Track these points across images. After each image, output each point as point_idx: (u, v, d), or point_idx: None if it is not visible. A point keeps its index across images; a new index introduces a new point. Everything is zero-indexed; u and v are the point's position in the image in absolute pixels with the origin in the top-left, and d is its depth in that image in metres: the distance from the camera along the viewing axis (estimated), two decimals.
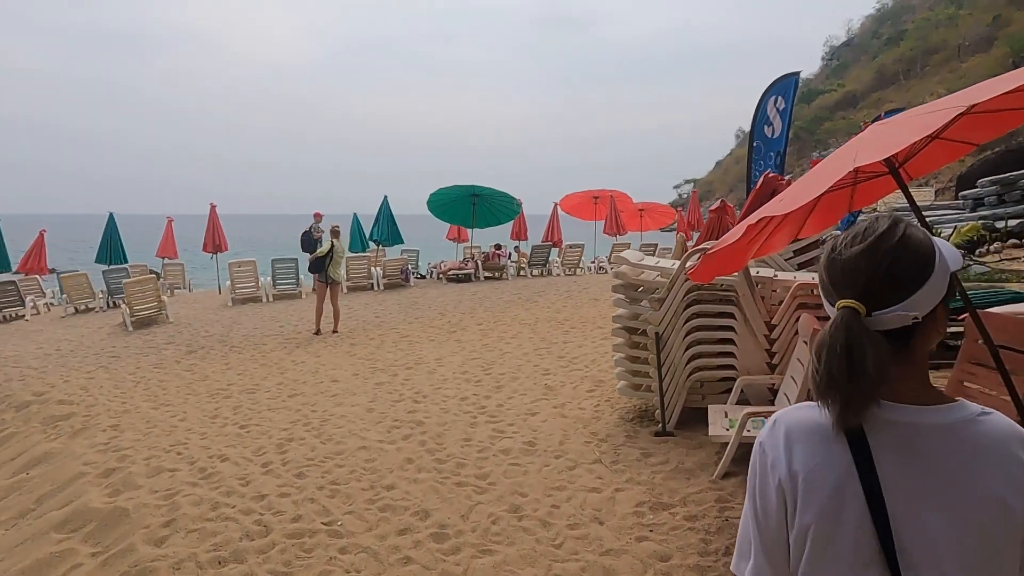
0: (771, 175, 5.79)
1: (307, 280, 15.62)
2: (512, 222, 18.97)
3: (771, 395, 5.10)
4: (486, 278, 16.73)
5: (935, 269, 0.98)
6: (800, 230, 4.17)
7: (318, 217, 14.77)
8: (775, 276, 5.42)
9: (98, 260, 16.81)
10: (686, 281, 5.16)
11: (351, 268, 15.39)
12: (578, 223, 22.69)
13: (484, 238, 20.55)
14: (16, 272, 17.07)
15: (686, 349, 5.28)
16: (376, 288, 15.32)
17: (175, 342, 10.62)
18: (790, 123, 8.46)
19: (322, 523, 3.95)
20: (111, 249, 16.62)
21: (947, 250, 1.01)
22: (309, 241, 14.56)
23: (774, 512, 1.03)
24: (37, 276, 16.94)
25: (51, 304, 16.06)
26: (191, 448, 5.50)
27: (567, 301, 13.00)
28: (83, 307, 15.19)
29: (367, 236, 17.21)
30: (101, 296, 15.10)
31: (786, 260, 6.09)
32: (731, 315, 5.20)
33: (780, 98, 8.42)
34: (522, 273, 17.51)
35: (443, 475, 4.63)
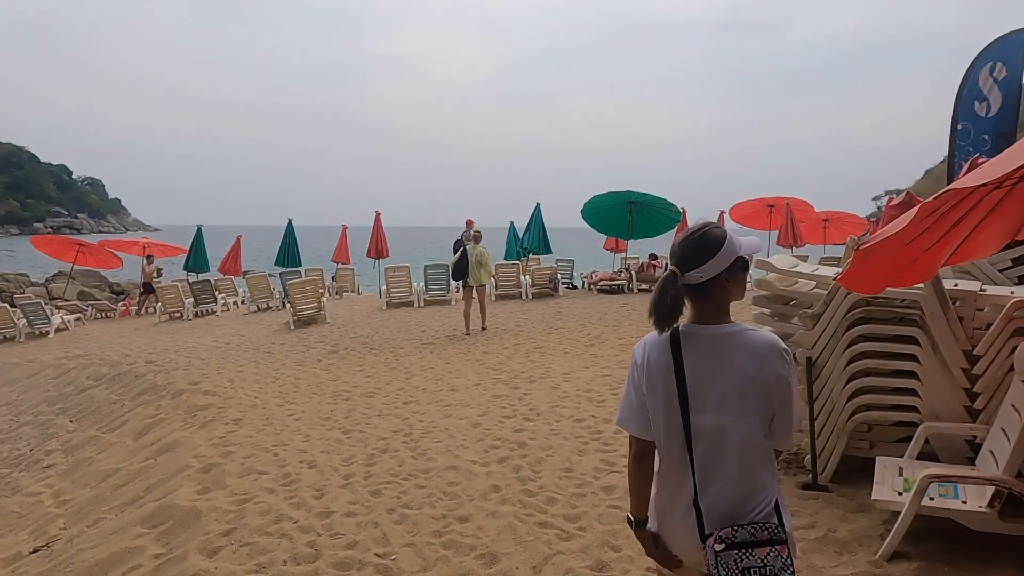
0: (980, 159, 4.40)
1: (459, 286, 15.79)
2: (672, 232, 17.74)
3: (970, 450, 3.79)
4: (640, 290, 15.72)
5: (719, 253, 1.71)
6: (1020, 229, 2.98)
7: (470, 224, 14.81)
8: (981, 290, 4.06)
9: (277, 263, 18.37)
10: (849, 294, 4.02)
11: (500, 276, 15.23)
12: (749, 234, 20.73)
13: (644, 249, 19.49)
14: (216, 273, 19.25)
15: (848, 381, 4.12)
16: (524, 297, 15.00)
17: (324, 342, 11.03)
18: (1021, 96, 6.50)
19: (375, 554, 3.48)
20: (288, 253, 18.08)
21: (744, 242, 1.77)
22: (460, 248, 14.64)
23: (635, 384, 1.83)
24: (232, 277, 18.92)
25: (239, 302, 17.78)
26: (289, 450, 5.37)
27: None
28: (264, 305, 16.62)
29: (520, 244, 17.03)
30: (277, 296, 16.41)
31: (999, 270, 4.61)
32: (914, 340, 3.96)
33: (1000, 65, 6.53)
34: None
35: (527, 511, 3.96)
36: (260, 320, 14.56)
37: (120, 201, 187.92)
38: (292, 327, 12.76)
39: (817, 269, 4.63)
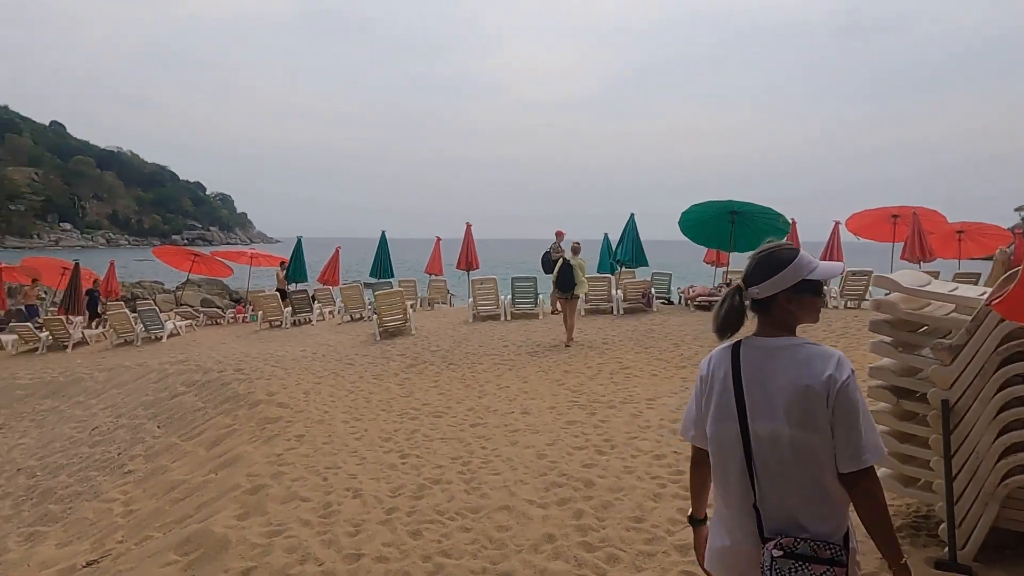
0: None
1: (546, 299, 15.25)
2: None
3: None
4: None
5: (781, 273, 1.75)
6: None
7: (560, 236, 14.30)
8: None
9: (371, 274, 18.63)
10: (1003, 321, 3.14)
11: (590, 290, 14.57)
12: (866, 250, 18.88)
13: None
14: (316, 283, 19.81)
15: (1000, 433, 3.22)
16: (615, 312, 14.25)
17: (404, 355, 10.84)
18: None
19: None
20: (381, 264, 18.29)
21: (820, 267, 1.79)
22: (548, 262, 14.18)
23: (697, 395, 1.91)
24: (330, 287, 19.40)
25: (334, 312, 18.16)
26: (339, 475, 5.04)
27: (839, 340, 10.41)
28: (357, 316, 16.85)
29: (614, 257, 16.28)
30: (369, 307, 16.58)
31: None
32: None
33: None
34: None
35: (582, 572, 3.35)
36: (351, 330, 14.71)
37: (247, 215, 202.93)
38: (378, 338, 12.72)
39: (956, 289, 3.72)
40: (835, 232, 17.18)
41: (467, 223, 17.74)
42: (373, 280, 18.09)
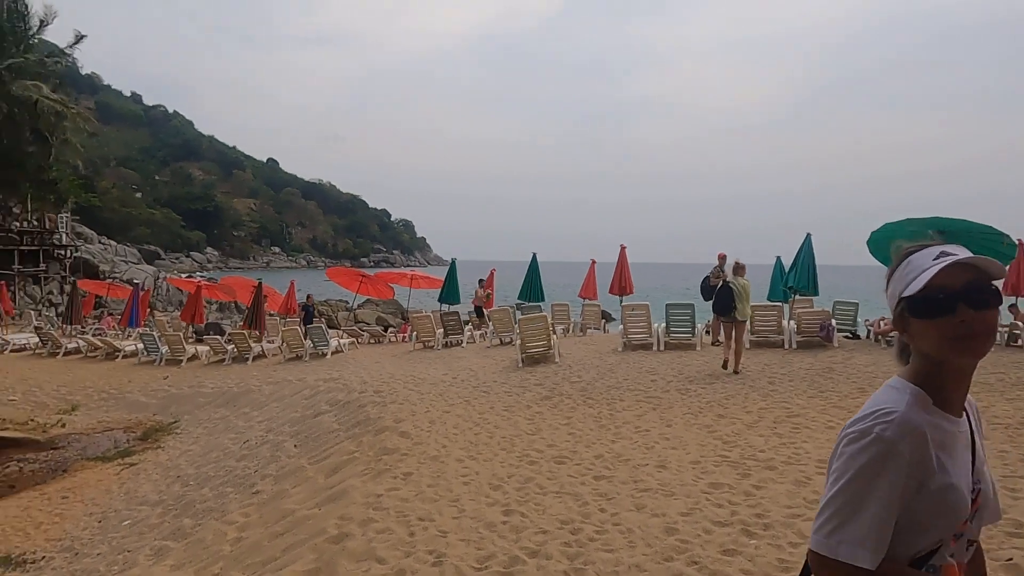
0: None
1: (708, 330, 13.78)
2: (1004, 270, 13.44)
3: None
4: None
5: (887, 288, 1.27)
6: None
7: (722, 259, 12.90)
8: None
9: (520, 297, 18.27)
10: None
11: (757, 319, 12.92)
12: None
13: None
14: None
15: None
16: (786, 345, 12.44)
17: (543, 384, 10.15)
18: None
19: None
20: (531, 288, 17.86)
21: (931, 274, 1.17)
22: (708, 288, 12.87)
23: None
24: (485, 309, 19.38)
25: (485, 335, 18.03)
26: (428, 531, 4.41)
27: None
28: (507, 339, 16.54)
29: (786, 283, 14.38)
30: (516, 331, 16.18)
31: None
32: None
33: None
34: (1020, 342, 12.05)
35: None
36: (498, 354, 14.37)
37: (425, 239, 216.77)
38: (520, 365, 12.19)
39: None
40: None
41: (621, 245, 16.79)
42: (522, 303, 17.71)
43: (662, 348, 13.06)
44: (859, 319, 14.40)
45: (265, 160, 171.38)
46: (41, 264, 36.04)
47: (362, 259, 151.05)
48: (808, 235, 13.78)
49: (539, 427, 7.55)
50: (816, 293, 14.04)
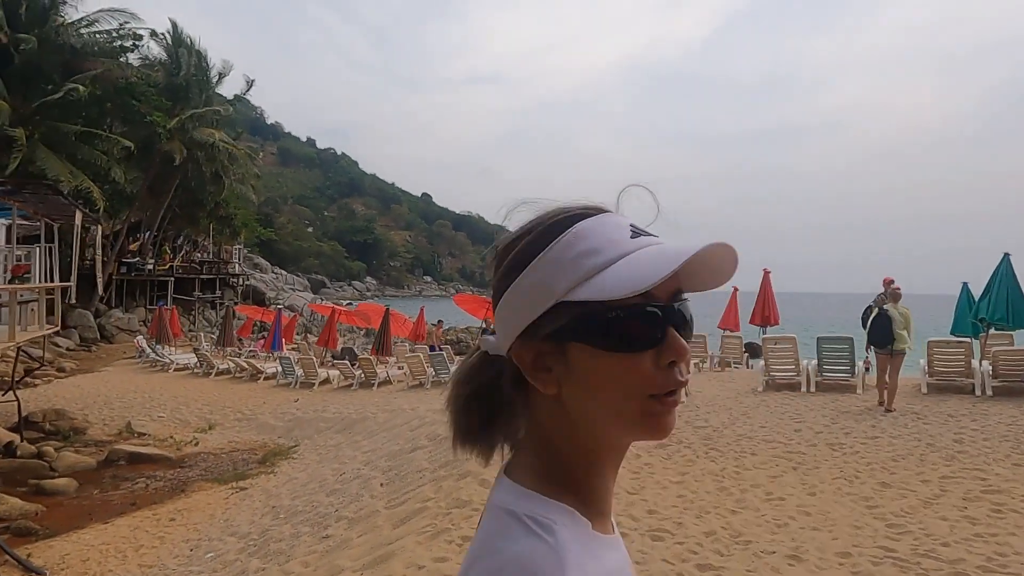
0: None
1: (870, 367, 11.53)
2: None
3: None
4: None
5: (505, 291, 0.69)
6: None
7: (888, 283, 10.73)
8: None
9: None
10: None
11: (938, 357, 10.54)
12: None
13: None
14: None
15: None
16: (978, 392, 9.95)
17: None
18: None
19: None
20: None
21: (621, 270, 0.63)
22: (867, 320, 10.81)
23: None
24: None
25: None
26: None
27: None
28: None
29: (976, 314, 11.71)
30: None
31: None
32: None
33: None
34: None
35: None
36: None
37: None
38: None
39: None
40: None
41: (764, 270, 14.83)
42: None
43: (812, 389, 11.07)
44: None
45: (420, 195, 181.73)
46: (218, 291, 39.94)
47: None
48: (1006, 255, 11.13)
49: (644, 483, 6.28)
50: (1019, 327, 11.29)
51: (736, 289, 18.14)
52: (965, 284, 13.62)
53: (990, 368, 10.07)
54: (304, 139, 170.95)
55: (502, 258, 0.68)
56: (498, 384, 0.69)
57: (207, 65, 35.91)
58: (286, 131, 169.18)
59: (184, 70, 33.71)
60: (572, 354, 0.63)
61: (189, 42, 34.93)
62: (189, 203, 37.37)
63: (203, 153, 33.58)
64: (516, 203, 0.69)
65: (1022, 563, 4.11)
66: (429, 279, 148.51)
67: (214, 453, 13.26)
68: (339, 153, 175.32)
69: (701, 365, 15.71)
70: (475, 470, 6.96)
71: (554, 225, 0.65)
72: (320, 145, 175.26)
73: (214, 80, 36.39)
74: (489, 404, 0.70)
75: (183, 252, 41.03)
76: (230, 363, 21.08)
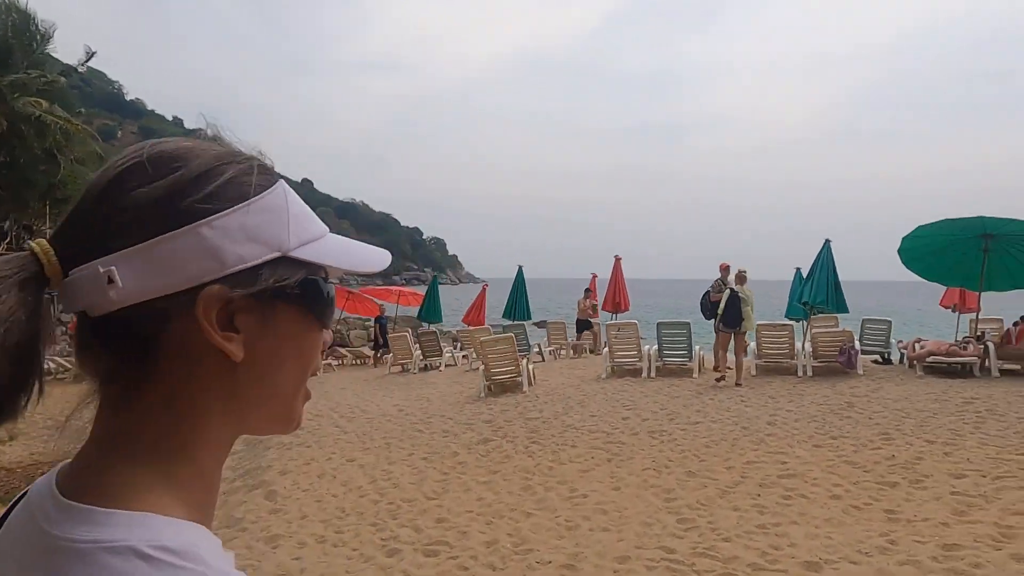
0: None
1: (707, 351, 11.77)
2: None
3: None
4: (1005, 372, 9.83)
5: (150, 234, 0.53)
6: None
7: (725, 269, 10.93)
8: None
9: (504, 315, 16.53)
10: None
11: (765, 339, 10.92)
12: None
13: (1011, 307, 13.04)
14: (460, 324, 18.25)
15: None
16: (800, 373, 10.39)
17: (491, 422, 8.37)
18: None
19: None
20: (516, 305, 16.11)
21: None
22: (708, 305, 11.00)
23: None
24: (472, 329, 17.70)
25: (468, 356, 16.32)
26: None
27: None
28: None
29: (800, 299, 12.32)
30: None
31: None
32: None
33: None
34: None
35: None
36: (471, 380, 12.63)
37: (457, 257, 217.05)
38: (483, 394, 10.43)
39: None
40: None
41: (616, 256, 14.90)
42: (508, 322, 15.95)
43: (652, 374, 11.14)
44: (891, 340, 12.27)
45: (300, 181, 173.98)
46: None
47: (394, 277, 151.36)
48: (827, 242, 11.72)
49: (448, 487, 5.79)
50: (841, 310, 11.95)
51: (595, 276, 18.27)
52: (798, 269, 14.36)
53: (811, 349, 10.54)
54: (171, 118, 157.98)
55: (166, 174, 0.50)
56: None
57: (36, 28, 31.73)
58: (149, 108, 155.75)
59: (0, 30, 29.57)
60: (277, 317, 0.52)
61: None
62: (16, 183, 33.05)
63: (30, 128, 29.68)
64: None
65: (792, 556, 3.97)
66: None
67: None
68: (210, 135, 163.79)
69: (556, 353, 15.64)
70: (270, 479, 6.22)
71: (260, 169, 0.55)
72: (188, 125, 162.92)
73: (38, 44, 32.20)
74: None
75: (8, 240, 36.41)
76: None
